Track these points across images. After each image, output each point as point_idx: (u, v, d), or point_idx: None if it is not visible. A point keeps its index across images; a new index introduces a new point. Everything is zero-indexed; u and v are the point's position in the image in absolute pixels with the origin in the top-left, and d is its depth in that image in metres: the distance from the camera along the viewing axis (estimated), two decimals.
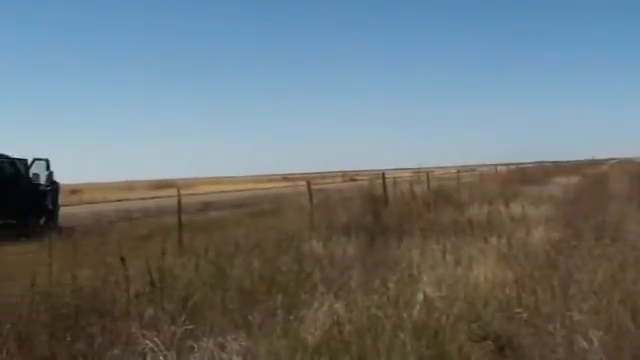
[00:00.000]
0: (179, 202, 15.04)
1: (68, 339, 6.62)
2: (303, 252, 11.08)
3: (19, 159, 23.14)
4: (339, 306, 7.32)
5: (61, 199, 24.65)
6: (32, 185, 22.92)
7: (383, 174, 23.47)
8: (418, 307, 7.14)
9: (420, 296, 7.52)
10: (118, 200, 34.64)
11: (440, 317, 6.82)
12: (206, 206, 28.55)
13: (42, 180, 23.31)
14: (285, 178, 72.62)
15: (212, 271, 9.00)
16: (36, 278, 7.44)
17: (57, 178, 23.89)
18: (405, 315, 6.79)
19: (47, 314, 7.04)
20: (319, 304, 7.52)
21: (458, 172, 36.36)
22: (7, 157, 22.87)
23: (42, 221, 22.15)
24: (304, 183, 21.20)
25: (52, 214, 22.94)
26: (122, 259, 7.78)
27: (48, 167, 23.71)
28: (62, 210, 24.12)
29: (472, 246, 11.50)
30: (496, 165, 54.62)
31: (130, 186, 54.16)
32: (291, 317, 7.23)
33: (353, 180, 49.79)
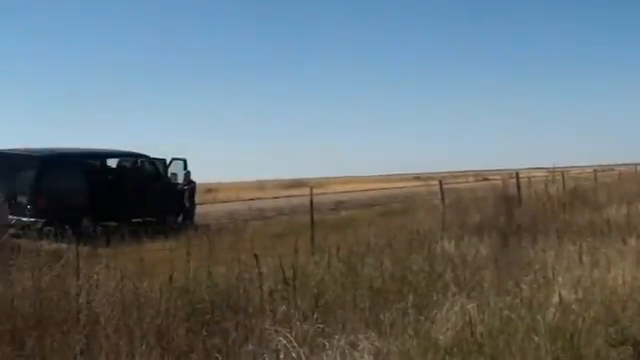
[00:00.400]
0: (311, 201, 15.20)
1: (204, 334, 6.81)
2: (435, 252, 11.02)
3: (158, 159, 23.94)
4: (471, 307, 7.25)
5: (197, 198, 25.30)
6: (170, 184, 23.65)
7: (517, 173, 23.07)
8: (553, 309, 7.00)
9: (555, 298, 7.37)
10: (251, 199, 35.29)
11: (576, 320, 6.66)
12: (338, 205, 28.72)
13: (180, 179, 24.00)
14: (417, 177, 72.20)
15: (343, 270, 9.07)
16: (174, 274, 7.69)
17: (193, 177, 24.57)
18: (539, 317, 6.66)
19: (184, 309, 7.26)
20: (451, 304, 7.47)
21: (595, 171, 35.23)
22: (147, 157, 23.71)
23: (179, 219, 22.82)
24: (436, 182, 21.06)
25: (189, 213, 23.57)
26: (255, 257, 7.94)
27: (185, 166, 24.39)
28: (198, 209, 24.75)
29: (610, 248, 11.15)
30: (636, 164, 52.50)
31: (262, 185, 55.01)
32: (422, 317, 7.22)
33: (486, 180, 49.02)
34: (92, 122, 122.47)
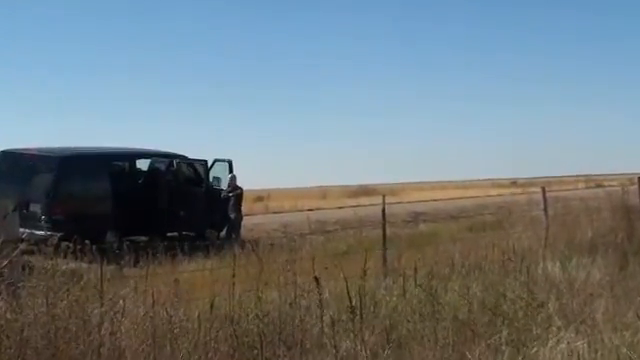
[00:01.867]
0: (384, 212, 15.14)
1: None
2: (535, 275, 10.92)
3: (198, 160, 23.98)
4: (580, 344, 7.16)
5: (244, 207, 25.30)
6: (212, 191, 23.67)
7: (638, 178, 22.69)
8: None
9: None
10: (310, 209, 35.34)
11: None
12: (415, 217, 28.64)
13: (223, 185, 24.01)
14: (514, 183, 71.81)
15: (422, 296, 9.02)
16: (215, 300, 7.72)
17: (240, 182, 24.57)
18: None
19: (227, 343, 7.29)
20: (555, 341, 7.40)
21: None
22: (185, 158, 23.80)
23: (222, 233, 22.83)
24: (537, 190, 20.86)
25: (234, 225, 23.48)
26: (316, 279, 7.92)
27: (231, 169, 24.36)
28: (245, 220, 24.74)
29: None
30: None
31: (324, 193, 55.14)
32: (520, 356, 7.15)
33: (599, 186, 48.45)
34: (120, 117, 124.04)
